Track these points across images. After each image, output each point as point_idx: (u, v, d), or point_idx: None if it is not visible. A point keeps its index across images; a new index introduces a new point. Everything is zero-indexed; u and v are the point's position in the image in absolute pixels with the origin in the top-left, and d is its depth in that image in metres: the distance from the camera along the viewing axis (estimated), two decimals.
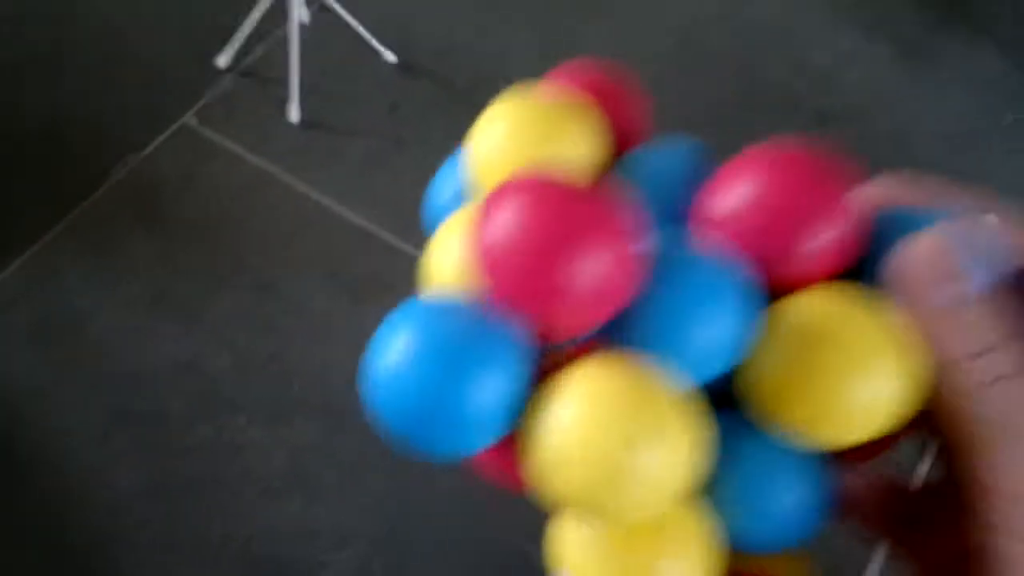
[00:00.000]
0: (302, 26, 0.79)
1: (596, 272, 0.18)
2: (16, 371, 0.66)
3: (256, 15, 0.81)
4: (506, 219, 0.18)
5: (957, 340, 0.21)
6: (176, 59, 0.83)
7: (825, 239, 0.18)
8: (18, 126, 0.78)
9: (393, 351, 0.17)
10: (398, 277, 0.71)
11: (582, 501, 0.19)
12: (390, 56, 0.83)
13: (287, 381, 0.66)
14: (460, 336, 0.17)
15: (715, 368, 0.19)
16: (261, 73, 0.83)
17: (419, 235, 0.71)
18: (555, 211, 0.18)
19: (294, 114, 0.79)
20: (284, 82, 0.80)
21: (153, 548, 0.59)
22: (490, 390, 0.17)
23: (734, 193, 0.19)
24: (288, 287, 0.71)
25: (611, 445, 0.19)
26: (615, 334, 0.18)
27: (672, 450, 0.19)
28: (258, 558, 0.58)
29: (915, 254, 0.20)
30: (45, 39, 0.84)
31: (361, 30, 0.83)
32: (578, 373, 0.18)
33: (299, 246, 0.73)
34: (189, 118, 0.79)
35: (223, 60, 0.82)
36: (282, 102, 0.80)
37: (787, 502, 0.22)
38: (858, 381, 0.19)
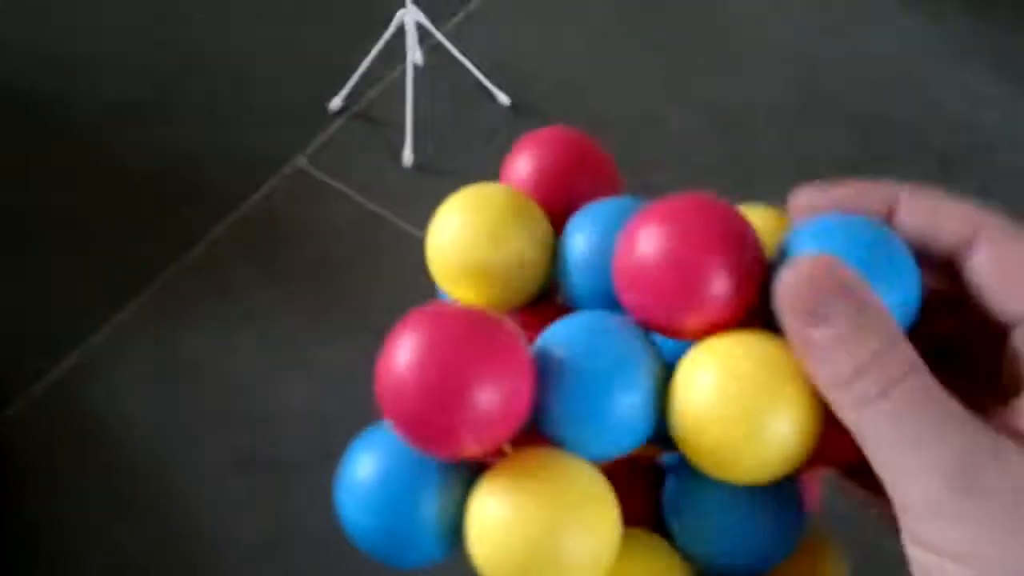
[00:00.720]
0: (416, 68, 0.79)
1: (485, 409, 0.19)
2: (134, 412, 0.66)
3: (370, 57, 0.82)
4: (402, 358, 0.19)
5: (825, 369, 0.23)
6: (291, 102, 0.84)
7: (718, 292, 0.20)
8: (137, 166, 0.80)
9: (347, 483, 0.20)
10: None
11: None
12: (504, 98, 0.83)
13: None
14: (396, 467, 0.19)
15: (635, 437, 0.20)
16: (374, 115, 0.83)
17: None
18: (444, 354, 0.20)
19: (407, 157, 0.79)
20: (396, 124, 0.81)
21: None
22: (428, 508, 0.20)
23: (632, 252, 0.21)
24: None
25: (535, 534, 0.21)
26: (537, 425, 0.20)
27: (591, 534, 0.22)
28: None
29: (783, 284, 0.22)
30: (170, 78, 0.85)
31: (474, 71, 0.82)
32: (500, 474, 0.20)
33: (412, 292, 0.72)
34: (301, 160, 0.80)
35: (336, 103, 0.83)
36: (394, 145, 0.80)
37: (750, 530, 0.25)
38: (757, 423, 0.21)
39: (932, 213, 0.27)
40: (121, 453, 0.64)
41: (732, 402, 0.26)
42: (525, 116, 0.83)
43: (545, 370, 0.22)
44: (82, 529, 0.61)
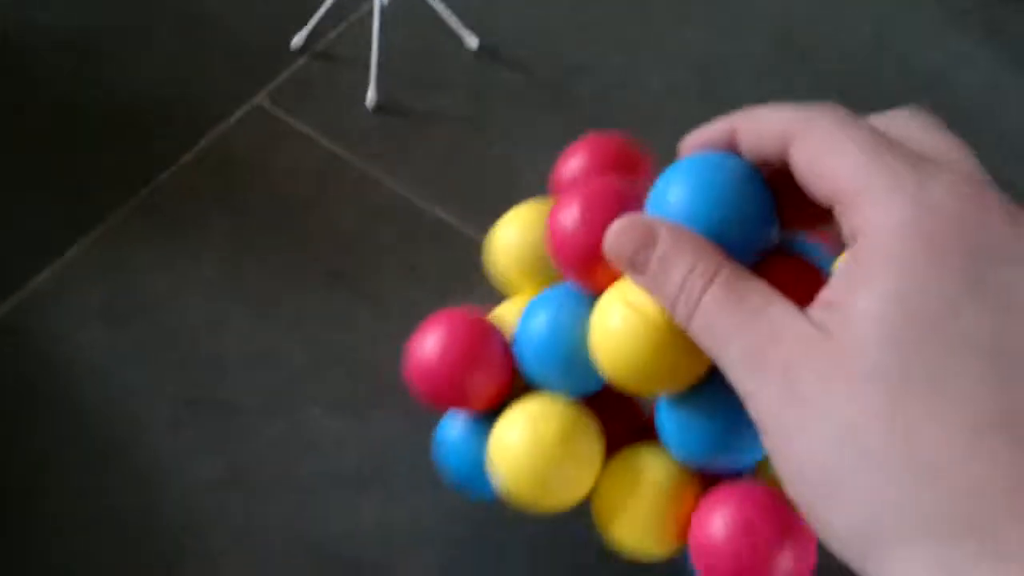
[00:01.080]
0: (382, 7, 0.76)
1: (481, 381, 0.48)
2: (85, 353, 0.64)
3: None
4: (425, 346, 0.49)
5: (659, 298, 0.33)
6: (251, 39, 0.81)
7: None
8: (91, 102, 0.77)
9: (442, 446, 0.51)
10: (477, 270, 0.69)
11: (532, 496, 0.45)
12: (472, 41, 0.81)
13: (364, 375, 0.64)
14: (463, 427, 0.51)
15: (587, 379, 0.44)
16: (337, 55, 0.81)
17: None
18: (454, 344, 0.48)
19: (371, 98, 0.77)
20: (360, 64, 0.78)
21: (226, 545, 0.57)
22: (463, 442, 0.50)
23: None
24: (364, 278, 0.69)
25: (542, 460, 0.45)
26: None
27: (582, 459, 0.46)
28: (332, 557, 0.57)
29: (605, 247, 0.34)
30: (125, 12, 0.82)
31: (442, 13, 0.80)
32: (506, 416, 0.46)
33: (375, 236, 0.71)
34: (261, 99, 0.77)
35: (298, 41, 0.80)
36: (357, 85, 0.78)
37: (724, 432, 0.43)
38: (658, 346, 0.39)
39: (756, 127, 0.33)
40: (69, 395, 0.62)
41: (636, 329, 0.41)
42: (493, 60, 0.81)
43: (519, 346, 0.47)
44: (31, 470, 0.59)
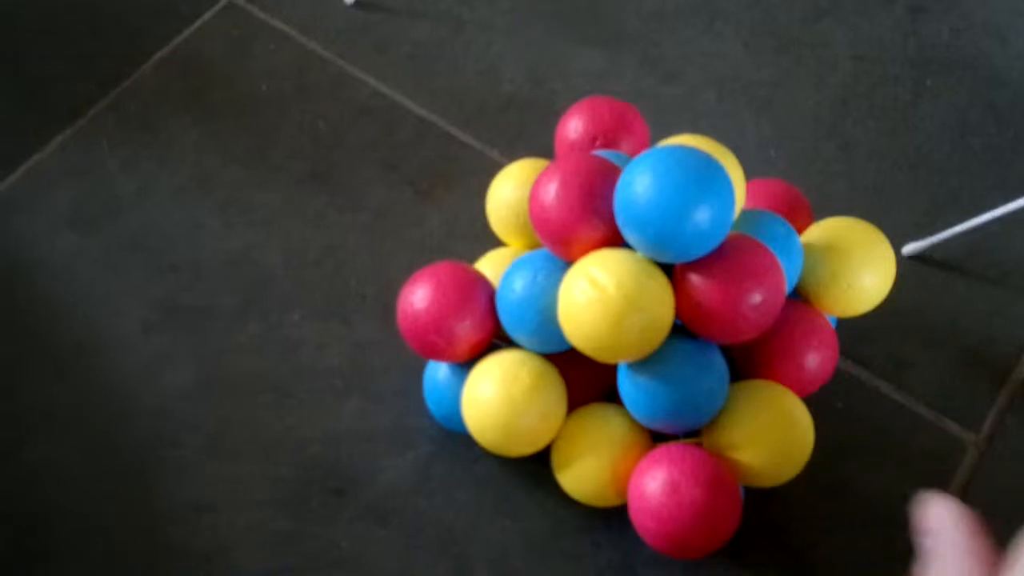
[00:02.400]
0: None
1: (469, 330, 0.50)
2: (55, 258, 0.62)
3: None
4: (416, 295, 0.51)
5: None
6: None
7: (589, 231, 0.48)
8: (58, 1, 0.74)
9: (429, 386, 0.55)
10: (459, 169, 0.67)
11: (496, 444, 0.50)
12: None
13: (343, 276, 0.62)
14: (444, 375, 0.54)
15: (553, 340, 0.49)
16: None
17: (481, 126, 0.66)
18: (444, 292, 0.50)
19: None
20: None
21: (202, 450, 0.56)
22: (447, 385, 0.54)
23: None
24: (343, 178, 0.66)
25: (512, 408, 0.49)
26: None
27: (545, 414, 0.50)
28: (313, 461, 0.56)
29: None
30: None
31: None
32: (480, 368, 0.51)
33: (354, 135, 0.68)
34: None
35: None
36: None
37: (675, 396, 0.48)
38: (616, 322, 0.46)
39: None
40: (38, 300, 0.61)
41: (594, 304, 0.45)
42: None
43: (498, 303, 0.50)
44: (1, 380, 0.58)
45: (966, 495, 0.57)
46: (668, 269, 0.47)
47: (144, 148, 0.67)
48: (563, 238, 0.47)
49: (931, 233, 0.64)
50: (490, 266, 0.55)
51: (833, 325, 0.55)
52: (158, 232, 0.64)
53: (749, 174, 0.57)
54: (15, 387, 0.58)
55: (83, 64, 0.71)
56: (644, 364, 0.47)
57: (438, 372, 0.54)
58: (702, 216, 0.43)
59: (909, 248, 0.64)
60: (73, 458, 0.55)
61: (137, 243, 0.63)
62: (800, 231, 0.55)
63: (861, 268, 0.52)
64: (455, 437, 0.55)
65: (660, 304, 0.45)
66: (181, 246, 0.63)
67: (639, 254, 0.46)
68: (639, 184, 0.43)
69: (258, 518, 0.54)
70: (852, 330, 0.57)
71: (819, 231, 0.54)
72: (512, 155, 0.59)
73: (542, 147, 0.63)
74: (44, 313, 0.60)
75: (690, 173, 0.43)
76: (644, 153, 0.44)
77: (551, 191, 0.47)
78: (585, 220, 0.46)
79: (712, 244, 0.44)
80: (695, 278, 0.45)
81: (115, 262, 0.62)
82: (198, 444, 0.56)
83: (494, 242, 0.58)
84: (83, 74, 0.70)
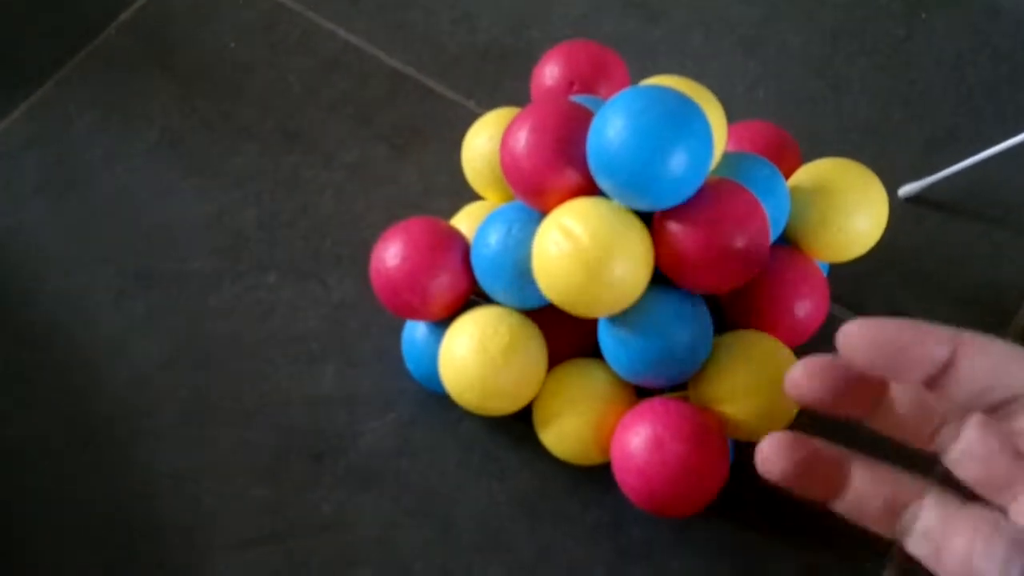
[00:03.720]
0: None
1: (443, 286, 0.48)
2: (24, 227, 0.61)
3: None
4: (388, 253, 0.49)
5: None
6: None
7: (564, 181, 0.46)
8: None
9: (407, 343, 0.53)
10: (435, 122, 0.65)
11: (475, 403, 0.48)
12: None
13: (319, 236, 0.61)
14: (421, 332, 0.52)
15: (538, 300, 0.46)
16: None
17: (457, 77, 0.64)
18: (417, 249, 0.48)
19: None
20: None
21: (179, 419, 0.55)
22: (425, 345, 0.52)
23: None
24: (316, 135, 0.64)
25: (490, 366, 0.47)
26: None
27: (524, 371, 0.48)
28: (292, 426, 0.54)
29: None
30: None
31: None
32: (457, 325, 0.48)
33: (326, 90, 0.66)
34: None
35: None
36: None
37: (656, 352, 0.46)
38: (592, 272, 0.43)
39: (994, 367, 0.26)
40: (8, 272, 0.59)
41: (568, 256, 0.43)
42: None
43: (474, 258, 0.48)
44: None
45: None
46: (647, 218, 0.45)
47: (111, 112, 0.65)
48: (536, 188, 0.45)
49: (928, 173, 0.61)
50: (467, 221, 0.54)
51: (825, 272, 0.53)
52: (128, 197, 0.62)
53: (737, 116, 0.54)
54: None
55: (45, 30, 0.69)
56: (623, 317, 0.45)
57: (416, 332, 0.52)
58: (678, 159, 0.40)
59: (905, 190, 0.62)
60: (48, 432, 0.54)
61: (107, 209, 0.61)
62: (788, 174, 0.52)
63: (852, 211, 0.50)
64: (437, 398, 0.53)
65: (637, 254, 0.43)
66: (152, 211, 0.61)
67: (615, 202, 0.44)
68: (611, 128, 0.41)
69: (239, 486, 0.53)
70: (845, 276, 0.55)
71: (808, 173, 0.51)
72: (490, 106, 0.57)
73: (522, 97, 0.61)
74: (14, 284, 0.59)
75: (664, 114, 0.41)
76: (616, 95, 0.42)
77: (521, 139, 0.44)
78: (558, 168, 0.44)
79: (690, 189, 0.42)
80: (673, 226, 0.43)
81: (85, 229, 0.61)
82: (175, 413, 0.55)
83: (473, 197, 0.56)
84: (46, 40, 0.68)
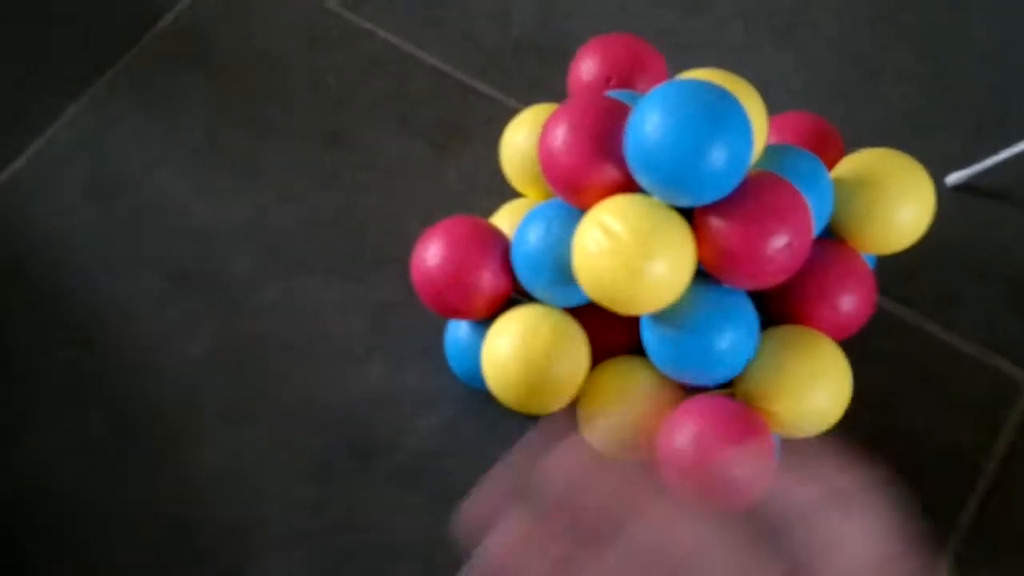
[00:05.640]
0: None
1: (484, 285, 0.48)
2: (71, 229, 0.61)
3: None
4: (429, 252, 0.49)
5: None
6: None
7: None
8: None
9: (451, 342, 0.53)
10: (474, 120, 0.65)
11: (518, 402, 0.48)
12: None
13: (360, 236, 0.61)
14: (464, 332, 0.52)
15: (579, 298, 0.46)
16: None
17: (496, 74, 0.64)
18: (458, 248, 0.48)
19: None
20: None
21: (222, 419, 0.55)
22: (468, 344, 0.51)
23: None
24: (355, 134, 0.65)
25: (532, 364, 0.46)
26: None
27: (566, 370, 0.47)
28: (337, 425, 0.55)
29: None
30: None
31: None
32: (500, 323, 0.48)
33: (365, 89, 0.66)
34: None
35: None
36: None
37: (701, 351, 0.45)
38: (631, 269, 0.43)
39: None
40: (56, 275, 0.60)
41: (608, 254, 0.43)
42: None
43: (514, 256, 0.48)
44: (17, 354, 0.57)
45: (1022, 436, 0.54)
46: (688, 213, 0.44)
47: (154, 116, 0.66)
48: (574, 185, 0.45)
49: (975, 160, 0.60)
50: (507, 218, 0.53)
51: (872, 264, 0.52)
52: (172, 199, 0.62)
53: (777, 108, 0.54)
54: (36, 362, 0.57)
55: (89, 37, 0.69)
56: (666, 314, 0.45)
57: (458, 331, 0.52)
58: (717, 154, 0.40)
59: (953, 178, 0.61)
60: (98, 431, 0.55)
61: (151, 211, 0.62)
62: (831, 165, 0.52)
63: (897, 201, 0.49)
64: (480, 397, 0.53)
65: (679, 251, 0.42)
66: (195, 212, 0.62)
67: (655, 199, 0.43)
68: (649, 123, 0.41)
69: (284, 485, 0.53)
70: (894, 268, 0.54)
71: (851, 164, 0.51)
72: (530, 102, 0.56)
73: (562, 92, 0.61)
74: (62, 285, 0.60)
75: (703, 108, 0.40)
76: (654, 90, 0.42)
77: (559, 136, 0.44)
78: (596, 165, 0.44)
79: (731, 184, 0.42)
80: (715, 221, 0.43)
81: (131, 231, 0.61)
82: (220, 412, 0.55)
83: (514, 194, 0.56)
84: (89, 47, 0.69)
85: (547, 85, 0.65)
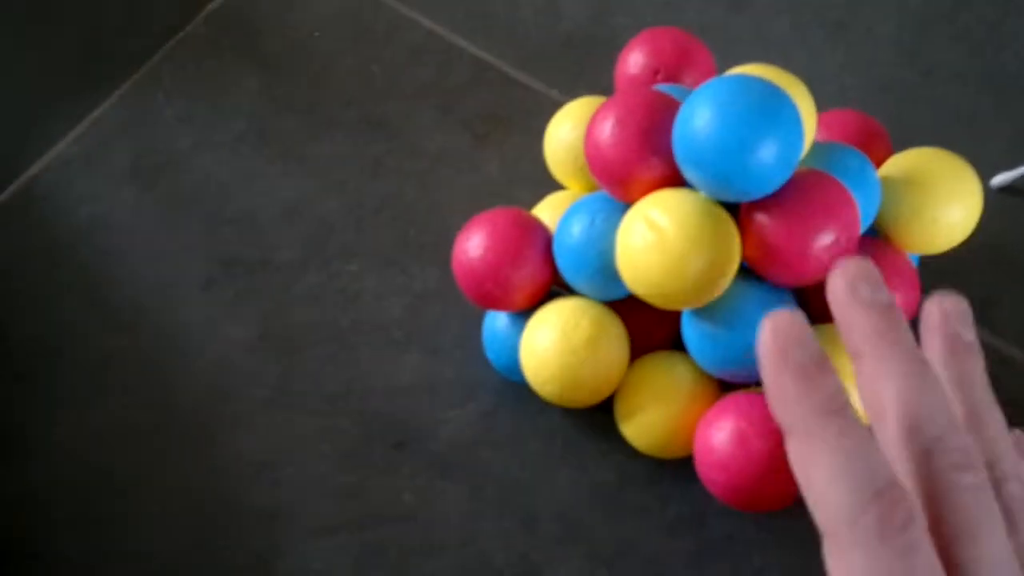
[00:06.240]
0: None
1: (525, 277, 0.48)
2: (114, 214, 0.62)
3: None
4: (470, 244, 0.49)
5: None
6: None
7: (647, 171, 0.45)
8: None
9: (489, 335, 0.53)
10: (518, 111, 0.65)
11: (556, 395, 0.48)
12: None
13: (402, 225, 0.61)
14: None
15: (620, 292, 0.46)
16: None
17: (540, 66, 0.64)
18: (499, 239, 0.48)
19: None
20: None
21: (264, 405, 0.55)
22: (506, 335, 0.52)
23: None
24: (399, 124, 0.65)
25: (571, 357, 0.47)
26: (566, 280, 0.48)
27: (606, 363, 0.47)
28: (375, 413, 0.55)
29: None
30: None
31: None
32: (539, 316, 0.49)
33: (409, 79, 0.67)
34: None
35: None
36: None
37: (738, 345, 0.44)
38: (678, 265, 0.43)
39: None
40: (99, 259, 0.60)
41: (653, 248, 0.43)
42: None
43: (556, 248, 0.48)
44: (59, 332, 0.58)
45: None
46: (733, 209, 0.44)
47: (199, 100, 0.66)
48: (620, 179, 0.45)
49: (1022, 163, 0.60)
50: (549, 211, 0.53)
51: (916, 264, 0.52)
52: (215, 184, 0.63)
53: (824, 105, 0.53)
54: (79, 345, 0.58)
55: (136, 21, 0.70)
56: (709, 310, 0.45)
57: (497, 322, 0.52)
58: (767, 150, 0.40)
59: (998, 179, 0.60)
60: (136, 417, 0.55)
61: (195, 196, 0.62)
62: (878, 164, 0.51)
63: (945, 201, 0.49)
64: (517, 388, 0.53)
65: (724, 246, 0.42)
66: (239, 198, 0.62)
67: (701, 194, 0.43)
68: (698, 118, 0.40)
69: (321, 472, 0.54)
70: (936, 268, 0.54)
71: (899, 163, 0.50)
72: (573, 95, 0.56)
73: (605, 85, 0.61)
74: (104, 270, 0.60)
75: (753, 104, 0.40)
76: (704, 84, 0.42)
77: (606, 129, 0.44)
78: (643, 159, 0.44)
79: (779, 180, 0.41)
80: (761, 217, 0.42)
81: (174, 216, 0.62)
82: (260, 398, 0.56)
83: (554, 186, 0.56)
84: (136, 30, 0.69)
85: (590, 78, 0.65)
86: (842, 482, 0.26)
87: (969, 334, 0.32)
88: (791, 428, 0.28)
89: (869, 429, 0.28)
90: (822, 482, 0.26)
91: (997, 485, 0.28)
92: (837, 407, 0.27)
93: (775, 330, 0.29)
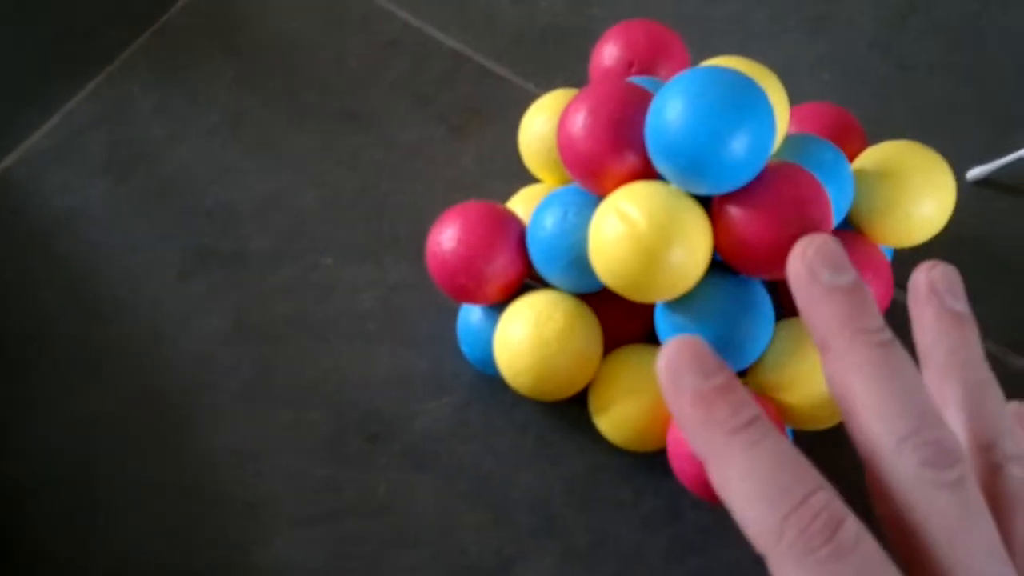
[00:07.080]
0: None
1: (499, 269, 0.48)
2: (90, 205, 0.62)
3: None
4: (443, 236, 0.48)
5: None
6: None
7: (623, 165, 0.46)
8: None
9: (464, 326, 0.53)
10: (493, 103, 0.65)
11: (529, 388, 0.48)
12: None
13: (377, 218, 0.61)
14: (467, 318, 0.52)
15: (594, 285, 0.46)
16: None
17: (516, 58, 0.64)
18: (473, 232, 0.48)
19: None
20: None
21: (240, 396, 0.55)
22: (480, 328, 0.52)
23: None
24: (375, 116, 0.65)
25: (544, 350, 0.47)
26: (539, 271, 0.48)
27: (579, 356, 0.48)
28: (349, 405, 0.55)
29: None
30: None
31: None
32: (512, 309, 0.49)
33: (386, 71, 0.66)
34: None
35: None
36: None
37: (717, 338, 0.45)
38: (651, 258, 0.43)
39: None
40: (75, 250, 0.60)
41: (625, 241, 0.43)
42: None
43: (529, 240, 0.48)
44: (33, 322, 0.58)
45: None
46: (706, 202, 0.44)
47: (175, 92, 0.66)
48: (593, 171, 0.44)
49: (998, 156, 0.60)
50: (523, 204, 0.53)
51: (889, 256, 0.52)
52: (191, 176, 0.63)
53: (802, 98, 0.53)
54: (54, 337, 0.57)
55: (111, 11, 0.70)
56: (681, 303, 0.45)
57: (471, 315, 0.52)
58: (738, 142, 0.40)
59: (974, 173, 0.61)
60: (113, 406, 0.55)
61: (170, 188, 0.62)
62: (852, 157, 0.51)
63: (919, 195, 0.49)
64: (492, 381, 0.53)
65: (695, 239, 0.42)
66: (214, 190, 0.62)
67: (673, 186, 0.43)
68: (669, 110, 0.40)
69: (297, 464, 0.53)
70: (909, 261, 0.54)
71: (872, 156, 0.50)
72: (550, 87, 0.56)
73: (582, 78, 0.61)
74: (81, 261, 0.60)
75: (725, 95, 0.40)
76: (676, 76, 0.41)
77: (578, 121, 0.44)
78: (615, 151, 0.44)
79: (751, 173, 0.41)
80: (733, 210, 0.42)
81: (149, 208, 0.62)
82: (236, 390, 0.56)
83: (530, 179, 0.56)
84: (111, 21, 0.69)
85: (566, 71, 0.65)
86: (758, 502, 0.25)
87: (960, 304, 0.31)
88: (704, 456, 0.28)
89: (781, 435, 0.27)
90: (742, 505, 0.26)
91: (994, 470, 0.28)
92: (740, 424, 0.27)
93: (666, 364, 0.28)
